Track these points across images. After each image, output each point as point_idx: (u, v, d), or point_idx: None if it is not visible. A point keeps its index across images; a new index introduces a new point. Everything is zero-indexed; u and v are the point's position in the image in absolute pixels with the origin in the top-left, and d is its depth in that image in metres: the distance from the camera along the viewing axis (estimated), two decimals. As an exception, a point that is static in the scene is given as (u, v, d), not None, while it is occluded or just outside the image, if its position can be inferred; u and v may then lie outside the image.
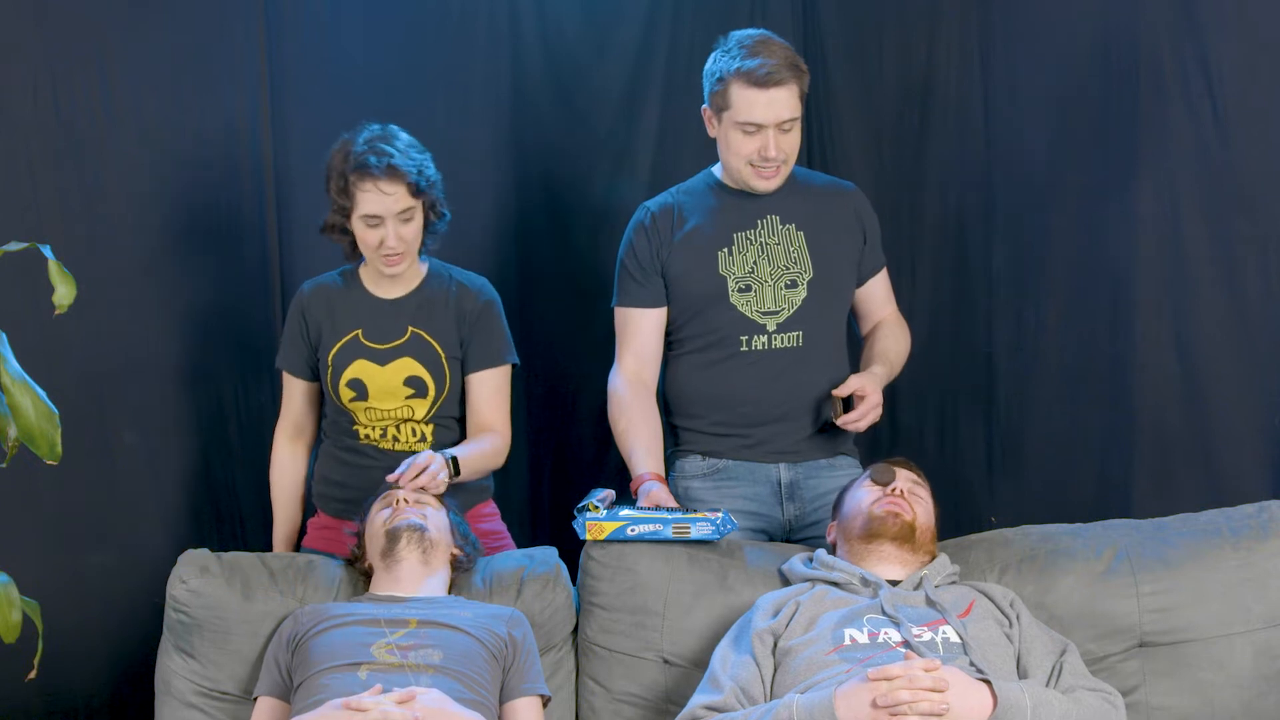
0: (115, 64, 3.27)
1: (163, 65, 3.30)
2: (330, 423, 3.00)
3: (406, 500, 2.68)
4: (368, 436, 2.93)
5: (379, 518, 2.68)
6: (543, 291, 3.21)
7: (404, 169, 2.80)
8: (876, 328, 3.05)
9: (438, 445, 2.91)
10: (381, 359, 2.90)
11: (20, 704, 3.19)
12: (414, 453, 2.87)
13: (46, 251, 2.19)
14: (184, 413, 3.38)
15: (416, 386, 2.89)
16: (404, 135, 2.87)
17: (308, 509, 3.06)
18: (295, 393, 3.02)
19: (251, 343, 3.41)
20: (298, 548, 3.04)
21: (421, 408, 2.91)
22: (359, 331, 2.91)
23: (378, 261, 2.87)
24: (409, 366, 2.89)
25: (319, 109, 3.39)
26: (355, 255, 2.94)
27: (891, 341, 3.02)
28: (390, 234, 2.82)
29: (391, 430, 2.92)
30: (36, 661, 2.32)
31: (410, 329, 2.91)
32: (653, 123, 3.53)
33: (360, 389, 2.89)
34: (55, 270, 2.18)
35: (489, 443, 2.91)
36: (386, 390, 2.89)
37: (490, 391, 2.95)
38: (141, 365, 3.34)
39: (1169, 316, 3.27)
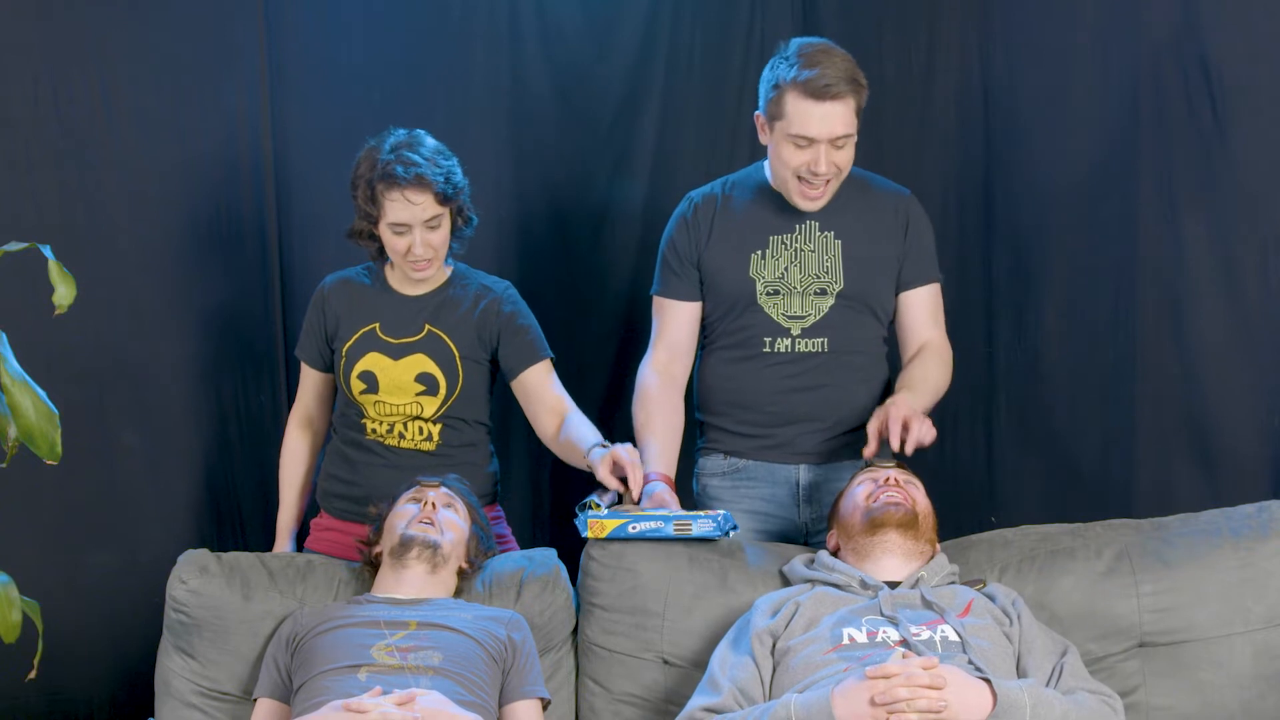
0: (115, 64, 3.27)
1: (163, 65, 3.30)
2: (339, 416, 3.00)
3: (434, 505, 2.67)
4: (374, 431, 2.93)
5: (404, 512, 2.67)
6: (542, 291, 3.20)
7: (431, 178, 2.80)
8: (916, 354, 2.91)
9: (444, 445, 2.92)
10: (395, 353, 2.90)
11: (20, 704, 3.19)
12: (420, 450, 2.90)
13: (46, 251, 2.19)
14: (184, 413, 3.38)
15: (427, 383, 2.90)
16: (430, 141, 2.88)
17: (312, 507, 3.06)
18: (309, 382, 3.04)
19: (252, 342, 3.42)
20: (300, 548, 3.04)
21: (431, 405, 2.91)
22: (376, 325, 2.92)
23: (405, 267, 2.89)
24: (421, 363, 2.90)
25: (319, 109, 3.40)
26: (382, 258, 2.96)
27: (922, 370, 2.85)
28: (417, 241, 2.83)
29: (399, 427, 2.92)
30: (36, 661, 2.32)
31: (428, 326, 2.92)
32: (653, 123, 3.52)
33: (371, 381, 2.90)
34: (55, 270, 2.18)
35: (582, 419, 2.88)
36: (397, 385, 2.89)
37: (548, 379, 2.94)
38: (142, 365, 3.34)
39: (1169, 316, 3.27)
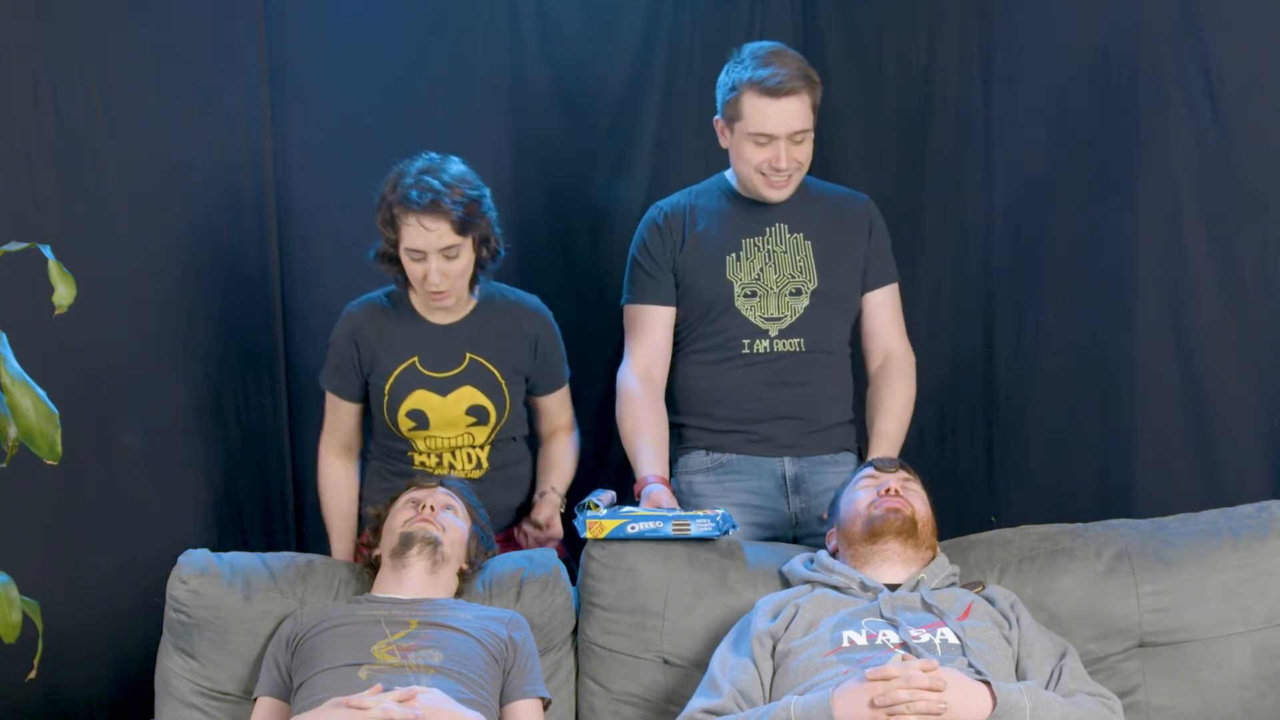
0: (115, 64, 3.27)
1: (163, 65, 3.30)
2: (380, 446, 2.95)
3: (433, 507, 2.66)
4: (423, 464, 2.90)
5: (401, 514, 2.67)
6: (543, 292, 3.20)
7: (448, 206, 2.71)
8: (881, 371, 3.00)
9: (492, 467, 2.91)
10: (442, 389, 2.85)
11: (20, 704, 3.19)
12: (469, 479, 2.86)
13: (46, 251, 2.19)
14: (184, 413, 3.37)
15: (478, 415, 2.87)
16: (456, 167, 2.79)
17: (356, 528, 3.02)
18: (344, 413, 2.94)
19: (252, 342, 3.41)
20: None
21: (482, 434, 2.89)
22: (415, 359, 2.85)
23: (424, 295, 2.82)
24: (470, 396, 2.86)
25: (319, 109, 3.39)
26: (408, 284, 2.86)
27: (891, 402, 2.96)
28: (433, 269, 2.74)
29: (448, 457, 2.89)
30: (36, 661, 2.33)
31: (468, 355, 2.87)
32: (652, 123, 3.52)
33: (421, 419, 2.85)
34: (55, 270, 2.19)
35: (569, 450, 3.00)
36: (448, 420, 2.86)
37: (561, 404, 3.01)
38: (142, 365, 3.33)
39: (1169, 316, 3.27)
